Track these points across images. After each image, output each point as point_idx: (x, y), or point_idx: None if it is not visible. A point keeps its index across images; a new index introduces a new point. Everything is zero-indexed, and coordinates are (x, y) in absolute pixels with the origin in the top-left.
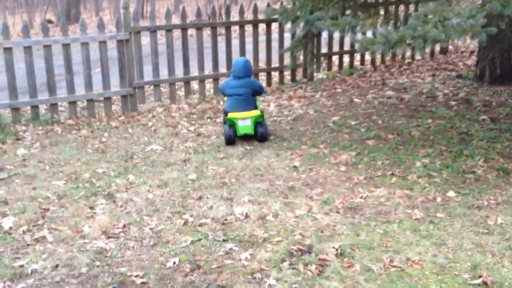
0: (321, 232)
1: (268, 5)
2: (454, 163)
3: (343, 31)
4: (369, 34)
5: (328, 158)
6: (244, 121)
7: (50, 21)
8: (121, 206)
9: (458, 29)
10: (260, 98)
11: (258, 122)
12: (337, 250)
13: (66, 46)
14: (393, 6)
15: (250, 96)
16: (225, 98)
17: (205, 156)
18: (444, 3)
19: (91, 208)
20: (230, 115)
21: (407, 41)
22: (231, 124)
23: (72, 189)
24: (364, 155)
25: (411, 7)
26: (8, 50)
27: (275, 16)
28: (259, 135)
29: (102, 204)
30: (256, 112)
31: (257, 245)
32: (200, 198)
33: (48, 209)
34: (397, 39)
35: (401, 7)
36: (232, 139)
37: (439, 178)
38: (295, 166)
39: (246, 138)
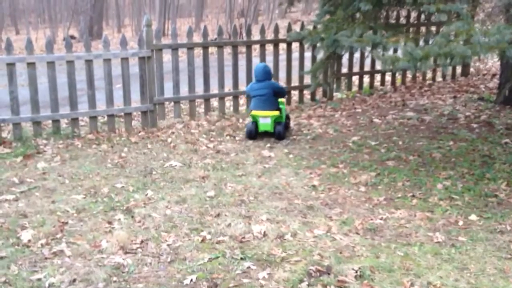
0: (340, 253)
1: (289, 25)
2: (476, 186)
3: (367, 49)
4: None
5: (347, 178)
6: (265, 119)
7: (72, 37)
8: (139, 222)
9: (485, 45)
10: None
11: (278, 122)
12: (356, 272)
13: (88, 62)
14: (417, 27)
15: (271, 97)
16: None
17: (224, 173)
18: (470, 22)
19: (109, 223)
20: (253, 112)
21: (432, 59)
22: (254, 121)
23: (91, 203)
24: (384, 175)
25: (433, 29)
26: (31, 65)
27: (300, 38)
28: (277, 133)
29: (120, 219)
30: (275, 112)
31: (275, 264)
32: (218, 215)
33: (66, 223)
34: (422, 55)
35: (424, 28)
36: (252, 134)
37: (461, 201)
38: (314, 186)
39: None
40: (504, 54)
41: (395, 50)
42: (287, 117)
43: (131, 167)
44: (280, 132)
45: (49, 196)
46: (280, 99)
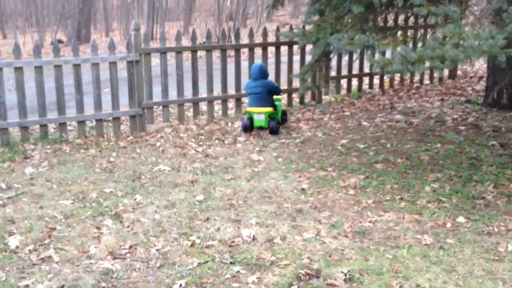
0: (330, 256)
1: (278, 28)
2: (463, 188)
3: (358, 51)
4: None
5: (336, 181)
6: (259, 115)
7: (60, 41)
8: (128, 227)
9: (477, 49)
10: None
11: (271, 117)
12: (345, 275)
13: (76, 67)
14: (409, 30)
15: (265, 94)
16: None
17: (213, 177)
18: (461, 25)
19: (98, 228)
20: (248, 109)
21: (425, 61)
22: (250, 116)
23: (79, 208)
24: (373, 178)
25: (423, 31)
26: (19, 69)
27: (284, 40)
28: (270, 127)
29: (108, 224)
30: (269, 109)
31: (264, 268)
32: (207, 219)
33: (54, 229)
34: (416, 58)
35: (414, 31)
36: (247, 128)
37: (449, 203)
38: (303, 189)
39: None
40: (495, 59)
41: (383, 53)
42: (284, 113)
43: (120, 172)
44: (273, 127)
45: (37, 202)
46: (277, 96)
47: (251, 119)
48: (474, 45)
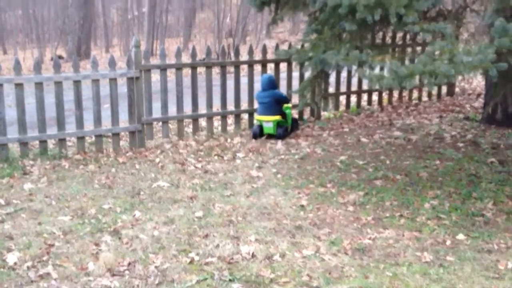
0: (329, 273)
1: (277, 45)
2: (463, 205)
3: (353, 67)
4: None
5: (335, 198)
6: (268, 123)
7: (60, 57)
8: (127, 243)
9: (468, 65)
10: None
11: (280, 125)
12: None
13: (77, 83)
14: (403, 47)
15: (273, 104)
16: None
17: (212, 193)
18: (454, 42)
19: (96, 244)
20: (257, 117)
21: (417, 78)
22: (259, 124)
23: (77, 224)
24: (372, 195)
25: (419, 48)
26: (19, 86)
27: (288, 57)
28: (277, 134)
29: (107, 240)
30: (277, 117)
31: (263, 285)
32: (206, 236)
33: (53, 245)
34: (406, 73)
35: (410, 48)
36: (257, 135)
37: (448, 220)
38: (302, 205)
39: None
40: (487, 73)
41: (381, 69)
42: (295, 121)
43: (119, 188)
44: (280, 134)
45: (35, 218)
46: (287, 105)
47: (260, 127)
48: (464, 60)
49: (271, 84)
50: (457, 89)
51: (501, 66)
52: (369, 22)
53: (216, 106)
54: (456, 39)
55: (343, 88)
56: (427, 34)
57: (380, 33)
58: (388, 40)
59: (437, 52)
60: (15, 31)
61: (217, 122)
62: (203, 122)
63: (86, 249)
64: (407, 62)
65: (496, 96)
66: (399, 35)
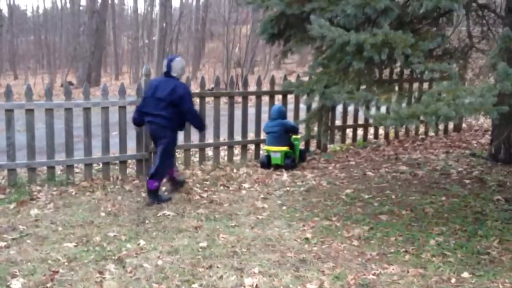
0: None
1: (285, 76)
2: (468, 243)
3: (358, 105)
4: (382, 109)
5: (340, 231)
6: (275, 154)
7: (70, 83)
8: (131, 272)
9: (469, 107)
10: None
11: (287, 156)
12: None
13: (86, 110)
14: (408, 84)
15: (282, 134)
16: None
17: (217, 223)
18: (458, 82)
19: (100, 272)
20: (265, 147)
21: (419, 117)
22: (267, 154)
23: (82, 252)
24: (377, 230)
25: (426, 85)
26: (30, 111)
27: (291, 88)
28: (285, 165)
29: (111, 269)
30: (285, 148)
31: None
32: (210, 267)
33: (57, 272)
34: (408, 114)
35: (415, 84)
36: (265, 165)
37: (453, 258)
38: (307, 238)
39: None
40: (489, 116)
41: (387, 108)
42: (303, 152)
43: (124, 216)
44: (288, 164)
45: (41, 244)
46: (295, 136)
47: (268, 157)
48: (465, 103)
49: (280, 114)
50: (464, 125)
51: (502, 109)
52: (376, 60)
53: (223, 136)
54: (460, 79)
55: (349, 121)
56: (433, 73)
57: (387, 68)
58: (395, 76)
59: (441, 93)
60: (26, 57)
61: (223, 152)
62: (209, 152)
63: (90, 277)
64: (413, 98)
65: (499, 136)
66: (406, 71)
